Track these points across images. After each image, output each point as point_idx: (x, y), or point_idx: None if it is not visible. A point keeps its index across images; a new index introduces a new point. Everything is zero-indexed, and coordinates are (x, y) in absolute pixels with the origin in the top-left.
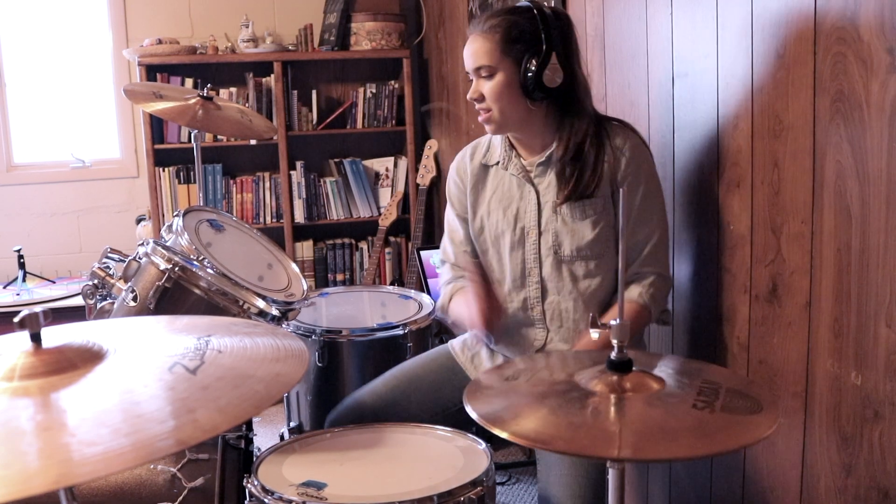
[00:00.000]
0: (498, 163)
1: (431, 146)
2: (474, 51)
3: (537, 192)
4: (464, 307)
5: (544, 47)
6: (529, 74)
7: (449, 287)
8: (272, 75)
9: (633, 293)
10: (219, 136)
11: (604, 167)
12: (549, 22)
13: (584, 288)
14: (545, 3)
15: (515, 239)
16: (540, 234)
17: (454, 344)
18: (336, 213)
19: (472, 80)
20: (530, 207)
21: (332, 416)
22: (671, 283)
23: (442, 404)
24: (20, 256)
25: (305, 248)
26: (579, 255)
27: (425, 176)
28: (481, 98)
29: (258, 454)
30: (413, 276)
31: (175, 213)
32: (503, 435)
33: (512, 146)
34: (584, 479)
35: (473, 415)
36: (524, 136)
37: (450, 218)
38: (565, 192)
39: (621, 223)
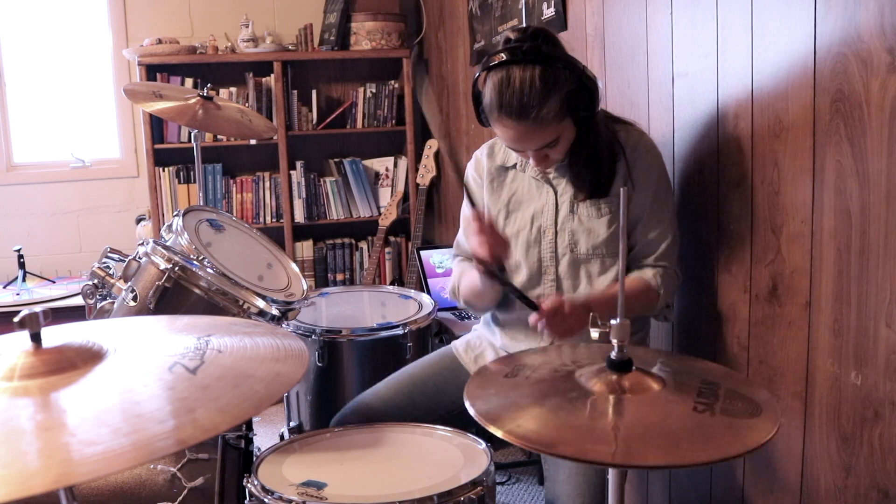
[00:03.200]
0: (515, 165)
1: (431, 146)
2: (533, 136)
3: (555, 192)
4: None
5: (586, 84)
6: (584, 112)
7: (458, 270)
8: (272, 75)
9: (648, 274)
10: (219, 136)
11: (617, 167)
12: (570, 57)
13: (599, 286)
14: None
15: (532, 238)
16: (556, 232)
17: (457, 345)
18: (336, 212)
19: (521, 151)
20: (548, 207)
21: (336, 420)
22: (680, 282)
23: (445, 406)
24: (20, 256)
25: (305, 248)
26: (595, 254)
27: (425, 176)
28: (547, 160)
29: (258, 454)
30: (413, 276)
31: (175, 213)
32: (500, 434)
33: None
34: (594, 478)
35: (472, 411)
36: None
37: (466, 213)
38: (585, 189)
39: (622, 221)
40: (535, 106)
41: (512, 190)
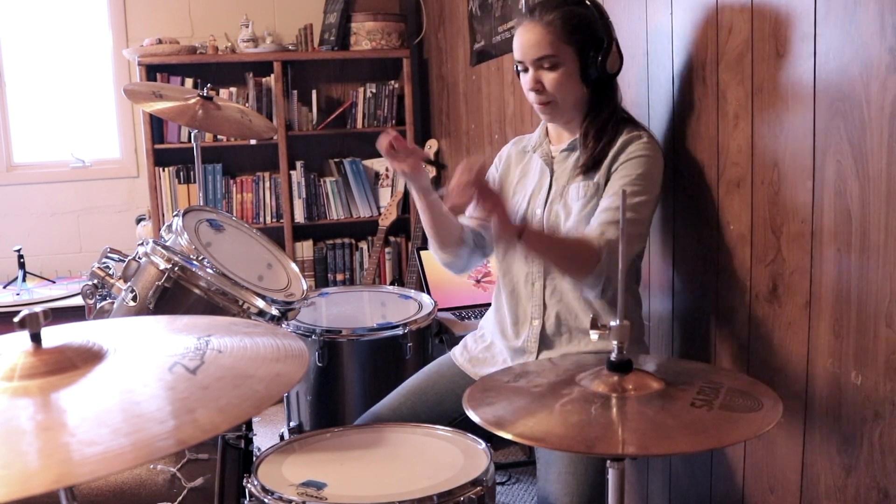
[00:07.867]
0: (532, 150)
1: (431, 146)
2: (536, 41)
3: (552, 176)
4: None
5: (604, 34)
6: (593, 62)
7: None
8: (272, 75)
9: (592, 233)
10: (219, 136)
11: (608, 157)
12: (602, 9)
13: None
14: None
15: (526, 218)
16: (544, 213)
17: (455, 351)
18: (336, 212)
19: (524, 71)
20: (542, 189)
21: None
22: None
23: (448, 415)
24: (20, 256)
25: (305, 248)
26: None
27: None
28: (541, 88)
29: (258, 454)
30: (413, 276)
31: (175, 213)
32: (506, 436)
33: (546, 133)
34: (583, 477)
35: (476, 419)
36: (565, 123)
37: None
38: (578, 171)
39: (621, 224)
40: (546, 9)
41: (523, 172)
